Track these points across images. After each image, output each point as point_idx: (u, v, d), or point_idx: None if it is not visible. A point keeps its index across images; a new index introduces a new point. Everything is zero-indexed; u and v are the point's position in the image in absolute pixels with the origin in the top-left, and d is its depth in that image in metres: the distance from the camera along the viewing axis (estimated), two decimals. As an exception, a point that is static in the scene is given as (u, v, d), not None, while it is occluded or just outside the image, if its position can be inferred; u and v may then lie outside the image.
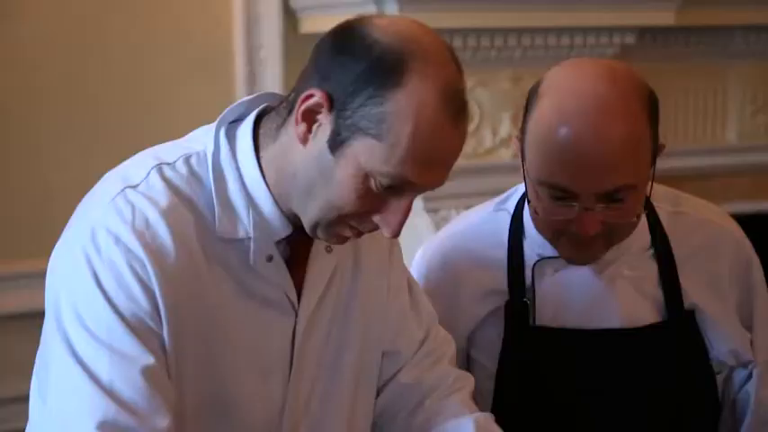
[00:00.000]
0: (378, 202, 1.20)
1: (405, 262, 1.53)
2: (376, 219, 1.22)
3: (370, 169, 1.18)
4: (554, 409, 1.56)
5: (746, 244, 1.64)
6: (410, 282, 1.49)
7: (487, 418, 1.42)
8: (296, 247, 1.30)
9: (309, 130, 1.20)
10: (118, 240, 1.19)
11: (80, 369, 1.17)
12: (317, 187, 1.21)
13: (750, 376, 1.61)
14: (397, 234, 1.23)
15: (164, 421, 1.17)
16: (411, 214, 2.47)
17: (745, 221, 1.75)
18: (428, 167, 1.19)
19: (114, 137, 2.46)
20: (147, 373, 1.17)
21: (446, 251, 1.64)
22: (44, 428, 1.22)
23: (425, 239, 1.84)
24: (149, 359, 1.18)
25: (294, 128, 1.21)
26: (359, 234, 1.25)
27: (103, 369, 1.17)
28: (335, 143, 1.18)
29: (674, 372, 1.56)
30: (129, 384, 1.17)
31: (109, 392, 1.16)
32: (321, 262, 1.32)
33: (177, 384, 1.23)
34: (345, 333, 1.36)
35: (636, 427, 1.55)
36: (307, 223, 1.24)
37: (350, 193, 1.19)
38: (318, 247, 1.31)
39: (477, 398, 1.59)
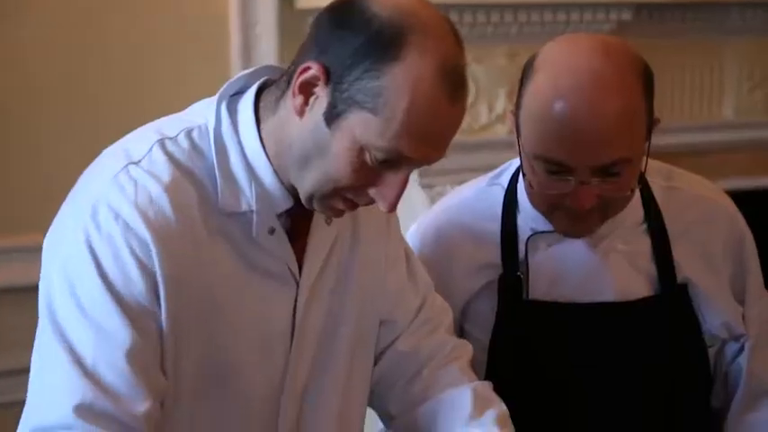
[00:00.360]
0: (373, 175, 1.21)
1: (399, 236, 1.54)
2: (372, 192, 1.22)
3: (366, 143, 1.18)
4: (547, 383, 1.57)
5: (740, 219, 1.65)
6: (407, 251, 1.50)
7: (485, 386, 1.43)
8: (297, 219, 1.30)
9: (306, 103, 1.20)
10: (118, 217, 1.19)
11: (64, 347, 1.17)
12: (312, 159, 1.21)
13: (742, 349, 1.62)
14: (393, 208, 1.23)
15: (142, 406, 1.17)
16: (406, 189, 2.46)
17: (742, 198, 1.75)
18: (424, 143, 1.19)
19: (111, 100, 2.46)
20: (130, 355, 1.17)
21: (440, 225, 1.64)
22: (28, 401, 1.22)
23: (420, 215, 1.84)
24: (136, 341, 1.18)
25: (292, 100, 1.21)
26: (354, 207, 1.25)
27: (88, 349, 1.17)
28: (331, 116, 1.18)
29: (667, 345, 1.57)
30: (111, 367, 1.17)
31: (90, 375, 1.16)
32: (321, 233, 1.33)
33: (176, 362, 1.23)
34: (342, 304, 1.37)
35: (629, 399, 1.56)
36: (302, 195, 1.24)
37: (345, 166, 1.19)
38: (319, 218, 1.32)
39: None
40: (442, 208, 1.69)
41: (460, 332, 1.62)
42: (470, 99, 2.62)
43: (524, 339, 1.57)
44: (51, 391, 1.17)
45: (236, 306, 1.26)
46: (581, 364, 1.55)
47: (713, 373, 1.63)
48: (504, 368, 1.58)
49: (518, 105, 1.50)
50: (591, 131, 1.41)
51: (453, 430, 1.35)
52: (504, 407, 1.39)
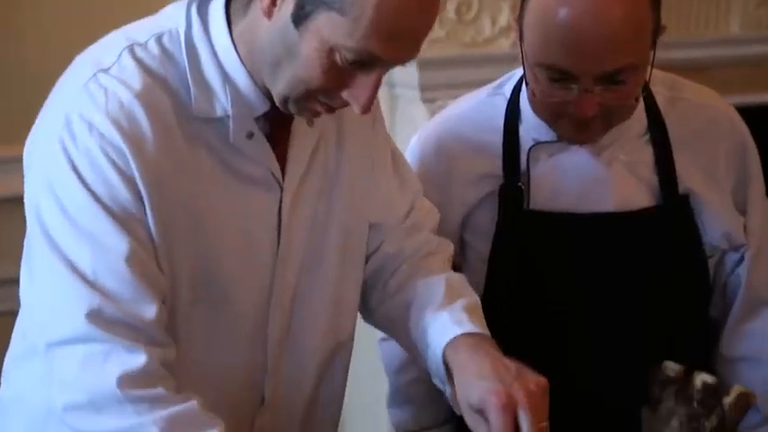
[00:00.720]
0: (345, 77, 1.18)
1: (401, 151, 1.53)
2: (344, 94, 1.19)
3: (335, 44, 1.15)
4: (547, 293, 1.57)
5: (743, 128, 1.63)
6: (395, 154, 1.48)
7: (459, 277, 1.43)
8: (277, 123, 1.28)
9: (274, 4, 1.17)
10: (92, 127, 1.17)
11: (63, 263, 1.17)
12: (283, 62, 1.19)
13: (742, 260, 1.62)
14: (366, 110, 1.20)
15: (150, 310, 1.17)
16: (407, 105, 2.43)
17: (746, 113, 1.73)
18: (394, 42, 1.15)
19: (108, 8, 2.42)
20: (130, 261, 1.17)
21: (440, 135, 1.63)
22: (33, 322, 1.23)
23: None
24: (133, 247, 1.17)
25: (260, 1, 1.18)
26: (330, 110, 1.23)
27: (86, 261, 1.16)
28: (299, 17, 1.15)
29: (667, 255, 1.57)
30: (113, 275, 1.16)
31: (92, 284, 1.16)
32: (303, 136, 1.31)
33: (170, 272, 1.22)
34: (330, 207, 1.35)
35: (629, 309, 1.56)
36: (276, 98, 1.22)
37: (315, 68, 1.16)
38: (300, 121, 1.30)
39: (470, 281, 1.60)
40: (442, 119, 1.67)
41: (461, 243, 1.62)
42: (473, 12, 2.58)
43: (525, 250, 1.57)
44: (58, 306, 1.17)
45: (219, 213, 1.25)
46: (581, 273, 1.56)
47: (712, 283, 1.63)
48: (505, 279, 1.58)
49: (522, 13, 1.48)
50: (595, 38, 1.38)
51: (424, 317, 1.35)
52: (476, 297, 1.38)
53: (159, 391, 1.16)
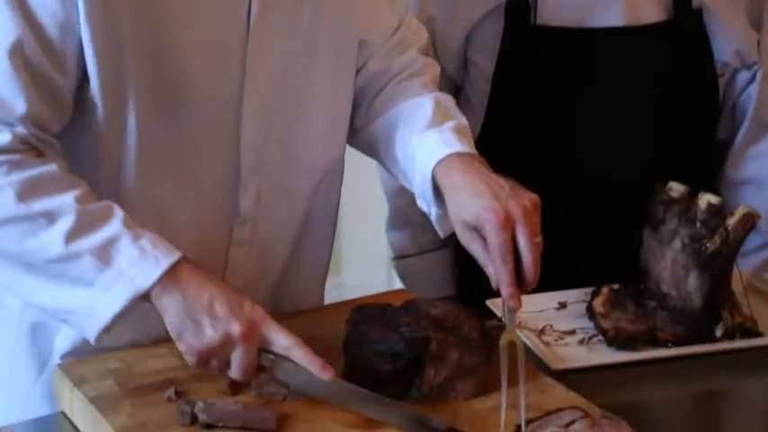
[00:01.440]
0: None
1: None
2: None
3: None
4: (551, 111, 1.54)
5: (764, -61, 1.57)
6: None
7: (448, 98, 1.37)
8: None
9: None
10: None
11: None
12: None
13: (753, 79, 1.59)
14: None
15: (22, 104, 1.13)
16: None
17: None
18: None
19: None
20: (13, 54, 1.12)
21: (446, -56, 1.56)
22: None
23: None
24: (23, 41, 1.12)
25: None
26: None
27: None
28: None
29: (677, 72, 1.53)
30: None
31: None
32: None
33: (117, 71, 1.17)
34: (318, 20, 1.28)
35: (636, 128, 1.54)
36: None
37: None
38: None
39: (473, 101, 1.58)
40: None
41: (464, 61, 1.58)
42: None
43: (530, 67, 1.53)
44: None
45: (176, 6, 1.18)
46: (588, 91, 1.52)
47: (721, 103, 1.60)
48: (509, 99, 1.55)
49: None
50: None
51: (410, 137, 1.30)
52: (464, 121, 1.32)
53: (18, 156, 1.14)
